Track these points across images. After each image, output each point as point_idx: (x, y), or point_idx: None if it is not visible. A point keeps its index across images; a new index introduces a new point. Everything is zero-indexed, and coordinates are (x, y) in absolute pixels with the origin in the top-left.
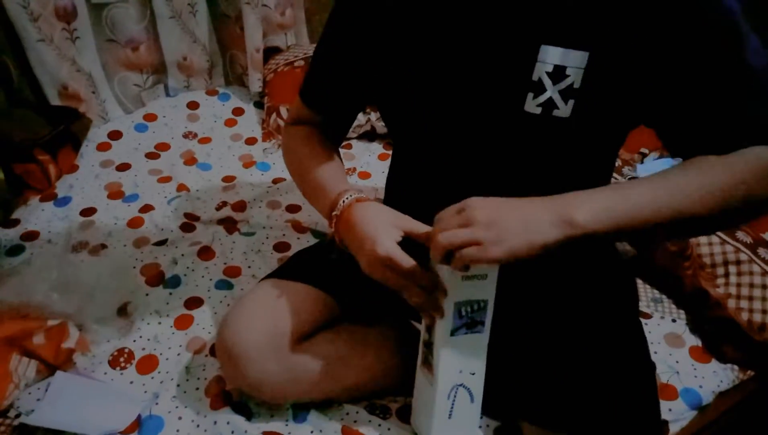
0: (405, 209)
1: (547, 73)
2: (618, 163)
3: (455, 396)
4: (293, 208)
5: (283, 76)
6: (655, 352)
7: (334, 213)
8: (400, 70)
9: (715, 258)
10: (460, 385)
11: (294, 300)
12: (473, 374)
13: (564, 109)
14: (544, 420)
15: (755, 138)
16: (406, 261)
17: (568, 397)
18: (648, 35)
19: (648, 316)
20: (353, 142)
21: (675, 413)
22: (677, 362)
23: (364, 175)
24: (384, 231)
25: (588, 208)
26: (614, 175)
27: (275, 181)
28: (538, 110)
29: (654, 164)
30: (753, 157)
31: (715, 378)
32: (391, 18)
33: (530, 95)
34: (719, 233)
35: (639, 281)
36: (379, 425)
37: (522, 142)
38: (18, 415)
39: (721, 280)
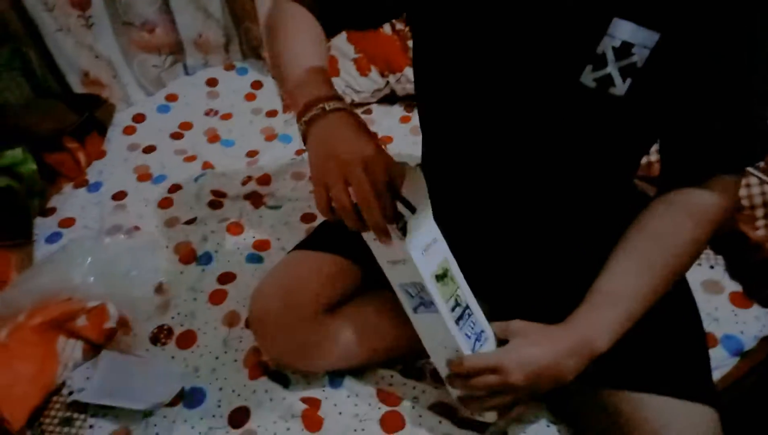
0: (443, 182)
1: (613, 48)
2: None
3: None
4: None
5: None
6: None
7: (320, 105)
8: (456, 17)
9: (754, 199)
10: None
11: (320, 270)
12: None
13: (620, 88)
14: (590, 379)
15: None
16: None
17: (614, 354)
18: (711, 30)
19: None
20: (373, 107)
21: (716, 361)
22: (716, 309)
23: (386, 140)
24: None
25: (606, 339)
26: None
27: (298, 153)
28: (593, 84)
29: None
30: (705, 206)
31: (757, 323)
32: None
33: (589, 67)
34: (757, 173)
35: None
36: (414, 387)
37: (568, 113)
38: (71, 393)
39: (760, 222)
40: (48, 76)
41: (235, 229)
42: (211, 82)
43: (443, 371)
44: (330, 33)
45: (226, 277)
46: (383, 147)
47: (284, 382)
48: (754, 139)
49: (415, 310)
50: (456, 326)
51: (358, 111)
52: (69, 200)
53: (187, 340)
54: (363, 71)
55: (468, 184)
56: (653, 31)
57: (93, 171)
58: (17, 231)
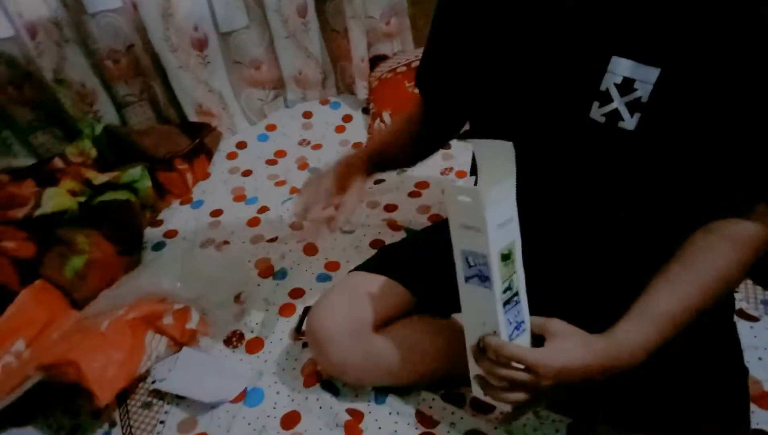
0: None
1: (615, 85)
2: None
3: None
4: (390, 208)
5: (386, 82)
6: (759, 358)
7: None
8: (483, 65)
9: None
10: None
11: (374, 291)
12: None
13: (629, 122)
14: (621, 423)
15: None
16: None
17: (646, 399)
18: (718, 61)
19: (755, 319)
20: (452, 142)
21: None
22: None
23: (462, 175)
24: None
25: (638, 359)
26: None
27: (376, 183)
28: (603, 120)
29: None
30: (745, 236)
31: None
32: (482, 14)
33: (596, 104)
34: None
35: (747, 281)
36: (453, 413)
37: (584, 149)
38: (153, 382)
39: None
40: (168, 106)
41: (311, 249)
42: (307, 115)
43: (472, 346)
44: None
45: (297, 293)
46: None
47: (334, 392)
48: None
49: (467, 279)
50: (502, 309)
51: None
52: (175, 214)
53: (255, 345)
54: None
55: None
56: (652, 67)
57: (198, 190)
58: (130, 239)
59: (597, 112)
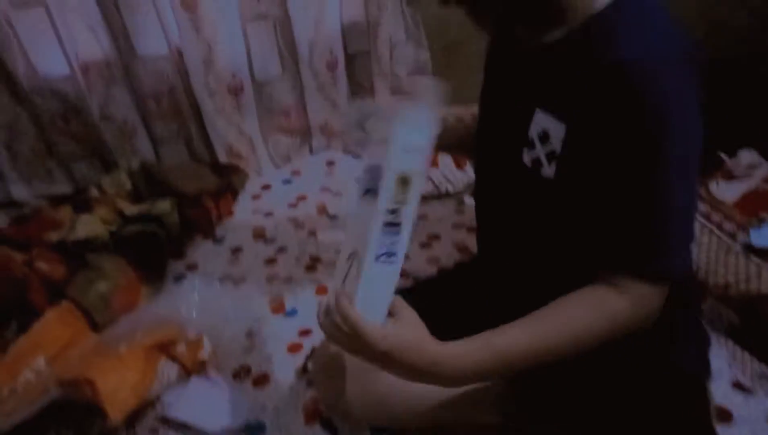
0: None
1: (537, 135)
2: (732, 227)
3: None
4: None
5: None
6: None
7: None
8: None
9: None
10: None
11: None
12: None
13: (547, 169)
14: None
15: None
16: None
17: None
18: (604, 132)
19: (749, 391)
20: (465, 198)
21: None
22: None
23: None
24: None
25: (456, 375)
26: (728, 239)
27: None
28: (530, 165)
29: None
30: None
31: None
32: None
33: (525, 150)
34: None
35: (744, 353)
36: None
37: (518, 191)
38: (162, 407)
39: None
40: (201, 147)
41: (322, 291)
42: (330, 163)
43: (339, 269)
44: None
45: (305, 332)
46: None
47: (333, 431)
48: (657, 251)
49: (363, 194)
50: (381, 227)
51: (452, 200)
52: (198, 249)
53: (261, 380)
54: (459, 165)
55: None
56: (561, 123)
57: (221, 227)
58: (153, 269)
59: (527, 157)
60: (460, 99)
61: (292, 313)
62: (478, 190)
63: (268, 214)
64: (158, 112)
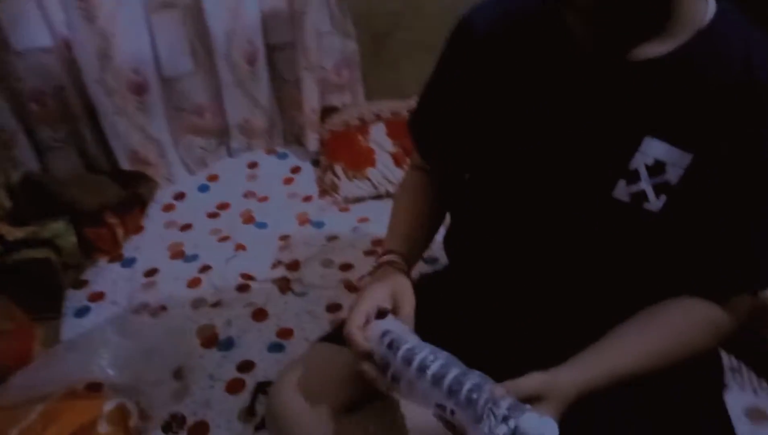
0: (466, 273)
1: (646, 166)
2: None
3: None
4: (346, 267)
5: (338, 135)
6: None
7: (382, 256)
8: (493, 128)
9: None
10: None
11: (342, 368)
12: None
13: (654, 204)
14: None
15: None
16: (359, 346)
17: None
18: (737, 154)
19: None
20: None
21: None
22: None
23: None
24: (361, 306)
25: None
26: None
27: (329, 239)
28: (627, 199)
29: None
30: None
31: None
32: (494, 76)
33: (622, 182)
34: None
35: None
36: None
37: (602, 226)
38: None
39: None
40: (98, 153)
41: (260, 315)
42: (252, 165)
43: None
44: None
45: (246, 366)
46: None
47: None
48: None
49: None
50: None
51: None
52: (102, 274)
53: (199, 431)
54: (399, 163)
55: (495, 272)
56: (686, 152)
57: (130, 246)
58: (47, 305)
59: (624, 191)
60: (388, 88)
61: (228, 344)
62: (509, 224)
63: (186, 227)
64: (43, 115)
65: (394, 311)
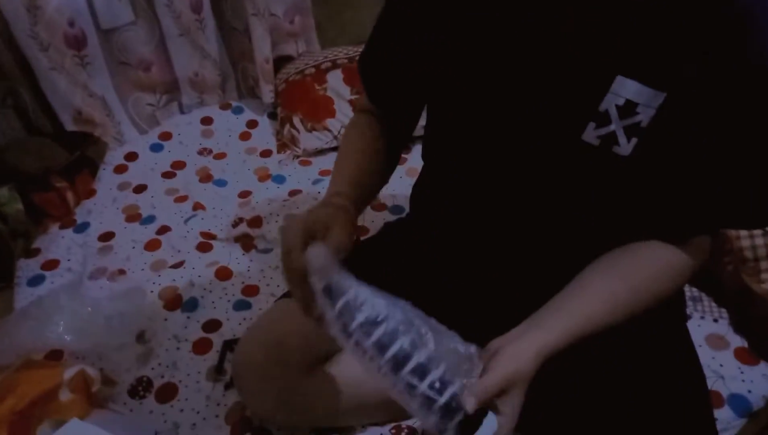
0: (430, 221)
1: (617, 107)
2: None
3: None
4: None
5: (294, 85)
6: None
7: (326, 197)
8: (451, 68)
9: (758, 251)
10: None
11: (308, 321)
12: None
13: (624, 147)
14: None
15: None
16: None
17: (605, 416)
18: (713, 94)
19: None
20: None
21: (722, 422)
22: (721, 366)
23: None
24: (299, 226)
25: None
26: None
27: (291, 194)
28: (597, 142)
29: None
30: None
31: (764, 381)
32: (451, 10)
33: (592, 125)
34: None
35: None
36: None
37: (570, 171)
38: None
39: (766, 275)
40: (40, 115)
41: (224, 273)
42: (206, 121)
43: None
44: (396, 140)
45: (212, 325)
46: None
47: None
48: (758, 206)
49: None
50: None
51: None
52: (54, 241)
53: (167, 393)
54: None
55: (459, 220)
56: (659, 91)
57: (81, 211)
58: None
59: (592, 135)
60: (343, 34)
61: (192, 305)
62: (472, 169)
63: (140, 189)
64: None
65: (324, 237)
